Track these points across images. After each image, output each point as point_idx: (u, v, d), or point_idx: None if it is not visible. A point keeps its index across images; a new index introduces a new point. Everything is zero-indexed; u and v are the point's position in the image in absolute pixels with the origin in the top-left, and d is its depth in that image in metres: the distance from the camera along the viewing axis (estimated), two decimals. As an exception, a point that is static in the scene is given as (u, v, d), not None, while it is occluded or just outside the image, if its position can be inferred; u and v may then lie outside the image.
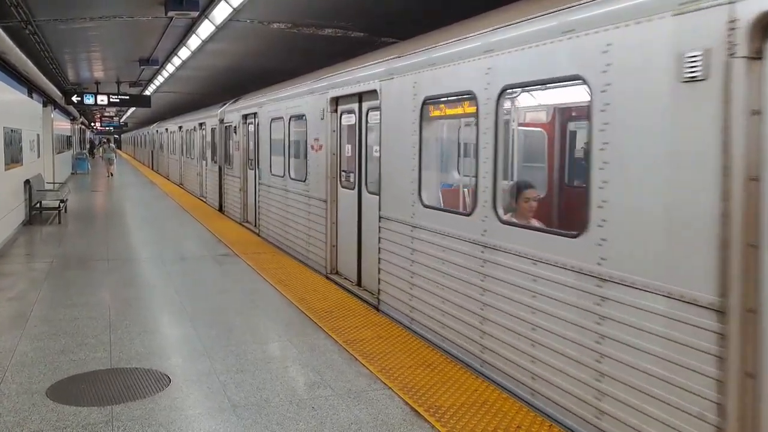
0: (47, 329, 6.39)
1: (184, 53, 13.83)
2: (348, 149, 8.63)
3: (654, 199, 3.52)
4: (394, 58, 6.84)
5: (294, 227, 10.37)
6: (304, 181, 9.76)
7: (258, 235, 12.62)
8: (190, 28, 11.40)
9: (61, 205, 14.90)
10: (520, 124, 6.59)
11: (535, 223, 5.31)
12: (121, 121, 50.31)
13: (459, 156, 7.23)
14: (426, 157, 6.22)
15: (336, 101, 8.66)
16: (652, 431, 3.54)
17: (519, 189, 5.50)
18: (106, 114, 44.10)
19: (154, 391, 4.85)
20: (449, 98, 5.99)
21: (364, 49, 9.02)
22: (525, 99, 6.00)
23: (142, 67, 16.21)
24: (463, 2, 6.59)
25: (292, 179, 10.49)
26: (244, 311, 7.21)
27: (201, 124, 19.98)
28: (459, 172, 7.44)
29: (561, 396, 4.28)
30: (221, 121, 16.58)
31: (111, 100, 20.15)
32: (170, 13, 9.53)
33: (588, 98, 4.02)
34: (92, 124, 53.98)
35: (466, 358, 5.42)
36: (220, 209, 16.88)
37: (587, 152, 4.03)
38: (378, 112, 7.17)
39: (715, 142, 3.16)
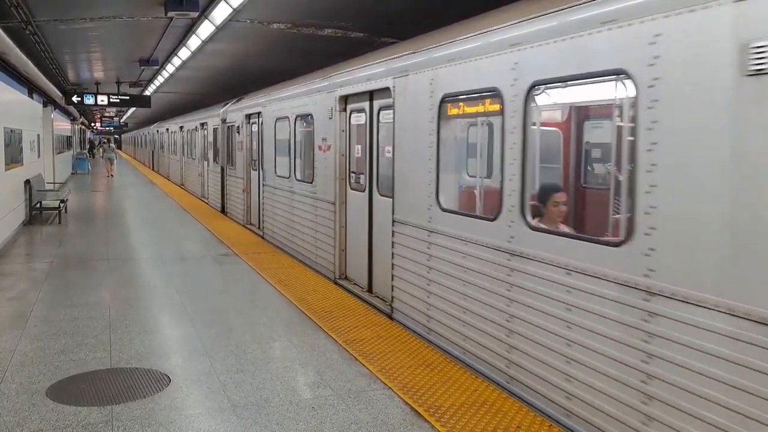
0: (47, 329, 6.30)
1: (184, 53, 13.67)
2: (358, 150, 8.16)
3: (713, 205, 3.13)
4: (408, 54, 6.42)
5: (300, 230, 9.90)
6: (311, 182, 9.29)
7: (262, 237, 12.15)
8: (190, 29, 11.29)
9: (61, 205, 14.66)
10: (551, 123, 6.16)
11: (564, 228, 4.89)
12: (122, 121, 50.19)
13: (478, 157, 6.94)
14: (444, 158, 5.81)
15: (345, 100, 8.23)
16: None
17: (547, 192, 5.07)
18: (106, 114, 43.97)
19: (154, 391, 4.79)
20: (470, 96, 5.53)
21: (364, 49, 8.90)
22: (557, 96, 5.63)
23: (142, 67, 16.03)
24: (463, 2, 6.58)
25: (298, 180, 10.03)
26: (244, 311, 7.08)
27: (203, 124, 19.39)
28: (480, 174, 7.07)
29: (601, 419, 3.89)
30: (223, 120, 16.06)
31: (111, 100, 19.90)
32: (170, 14, 9.42)
33: (632, 94, 3.63)
34: (92, 124, 53.87)
35: (490, 372, 5.02)
36: (223, 211, 16.35)
37: (631, 153, 3.63)
38: (390, 111, 6.78)
39: None
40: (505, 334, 4.81)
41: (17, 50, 11.49)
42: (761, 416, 2.93)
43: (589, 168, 6.27)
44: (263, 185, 12.19)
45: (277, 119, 11.13)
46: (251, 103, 13.46)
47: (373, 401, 4.65)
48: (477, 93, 5.36)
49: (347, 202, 8.33)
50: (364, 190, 7.85)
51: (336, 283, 8.37)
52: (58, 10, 10.07)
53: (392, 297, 6.72)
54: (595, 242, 4.04)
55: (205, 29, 10.90)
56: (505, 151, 4.76)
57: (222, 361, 5.45)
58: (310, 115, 9.30)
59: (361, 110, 7.89)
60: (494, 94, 4.98)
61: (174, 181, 26.94)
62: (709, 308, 3.16)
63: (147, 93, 22.35)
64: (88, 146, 50.79)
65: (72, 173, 31.64)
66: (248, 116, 13.65)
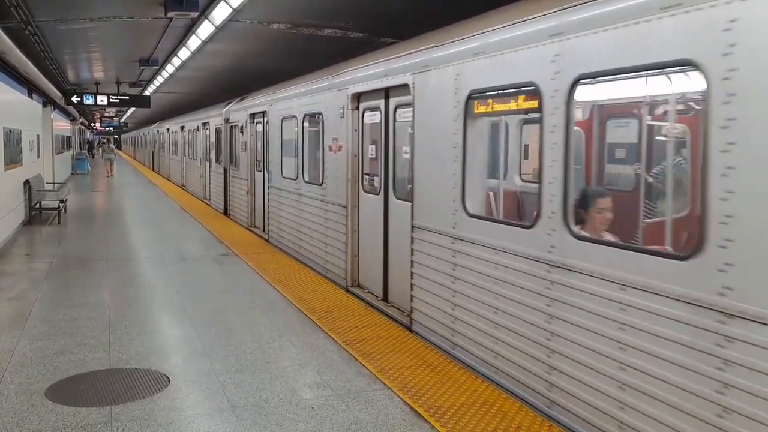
0: (46, 329, 6.21)
1: (183, 54, 13.47)
2: (371, 150, 7.64)
3: None
4: (430, 48, 5.90)
5: (309, 234, 9.31)
6: (321, 184, 8.74)
7: (267, 241, 11.58)
8: (190, 29, 11.23)
9: (61, 205, 14.42)
10: (593, 121, 5.63)
11: (608, 237, 4.40)
12: (121, 121, 50.03)
13: (510, 159, 6.31)
14: (471, 160, 5.28)
15: (358, 98, 7.70)
16: None
17: (591, 198, 4.58)
18: (105, 114, 43.77)
19: (154, 392, 4.72)
20: (501, 92, 5.01)
21: (364, 50, 8.81)
22: (605, 91, 5.05)
23: (141, 67, 15.77)
24: (463, 2, 6.57)
25: (307, 182, 9.44)
26: (244, 311, 6.94)
27: (204, 124, 18.77)
28: (513, 178, 6.49)
29: None
30: (226, 120, 15.45)
31: (111, 100, 19.59)
32: (170, 14, 9.28)
33: (702, 87, 3.16)
34: (92, 124, 53.78)
35: (528, 395, 4.50)
36: (225, 212, 15.76)
37: (703, 155, 3.14)
38: (408, 109, 6.30)
39: None
40: (545, 353, 4.30)
41: (17, 50, 11.37)
42: None
43: (642, 170, 5.64)
44: (269, 187, 11.62)
45: (284, 118, 10.58)
46: (256, 101, 12.88)
47: (373, 401, 4.57)
48: (510, 88, 4.85)
49: (360, 205, 7.81)
50: (378, 193, 7.33)
51: (348, 291, 7.83)
52: (57, 11, 9.98)
53: (411, 308, 6.20)
54: (656, 255, 3.53)
55: (205, 29, 10.78)
56: (544, 151, 4.27)
57: (222, 362, 5.35)
58: (320, 113, 8.78)
59: (375, 108, 7.38)
60: (531, 89, 4.48)
61: (175, 182, 26.40)
62: None
63: (147, 93, 22.27)
64: (87, 146, 50.82)
65: (71, 173, 31.42)
66: (252, 115, 13.11)
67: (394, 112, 6.93)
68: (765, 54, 2.84)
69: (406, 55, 6.43)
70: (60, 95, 19.60)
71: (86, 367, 5.27)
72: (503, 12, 5.03)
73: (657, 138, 5.28)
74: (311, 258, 9.27)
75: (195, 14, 9.38)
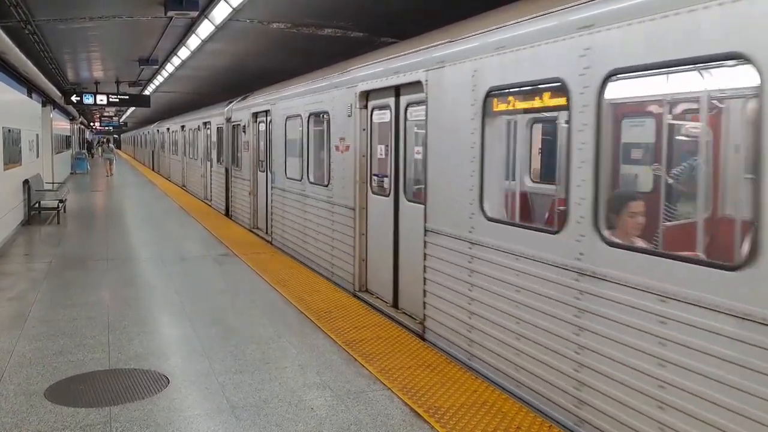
0: (46, 330, 6.15)
1: (183, 53, 13.46)
2: (380, 150, 7.31)
3: None
4: (445, 44, 5.61)
5: (314, 237, 8.98)
6: (327, 185, 8.43)
7: (271, 243, 11.23)
8: (190, 28, 11.20)
9: (60, 205, 14.32)
10: (627, 118, 5.33)
11: (641, 243, 4.11)
12: (121, 120, 49.98)
13: (533, 159, 6.04)
14: (489, 160, 5.00)
15: (366, 96, 7.39)
16: None
17: (622, 201, 4.27)
18: (105, 114, 43.75)
19: (153, 392, 4.68)
20: (523, 89, 4.72)
21: (363, 49, 8.83)
22: (640, 87, 4.72)
23: (141, 66, 15.65)
24: (463, 2, 6.56)
25: (312, 183, 9.12)
26: (244, 311, 6.89)
27: (206, 123, 18.37)
28: (536, 180, 6.18)
29: None
30: (228, 119, 15.11)
31: (110, 99, 19.44)
32: (170, 13, 9.24)
33: (754, 83, 2.89)
34: (91, 123, 53.83)
35: (554, 412, 4.21)
36: (227, 213, 15.39)
37: (756, 156, 2.86)
38: (420, 107, 6.06)
39: None
40: (573, 368, 4.00)
41: (16, 50, 11.34)
42: None
43: (678, 173, 5.28)
44: (272, 188, 11.25)
45: (288, 117, 10.26)
46: (259, 100, 12.53)
47: (373, 402, 4.53)
48: (533, 85, 4.55)
49: (368, 207, 7.49)
50: (388, 195, 7.01)
51: (356, 296, 7.52)
52: (57, 10, 9.95)
53: (424, 315, 5.89)
54: (702, 264, 3.27)
55: (205, 29, 10.76)
56: (572, 152, 3.98)
57: (221, 362, 5.31)
58: (326, 112, 8.49)
59: (385, 107, 7.07)
60: (557, 85, 4.18)
61: (175, 182, 26.12)
62: None
63: (146, 93, 22.28)
64: (85, 146, 50.82)
65: (71, 173, 31.37)
66: (255, 115, 12.78)
67: (405, 110, 6.64)
68: None
69: (419, 51, 6.14)
70: (59, 95, 19.55)
71: (85, 367, 5.23)
72: (525, 4, 4.76)
73: (688, 138, 5.02)
74: (317, 261, 8.94)
75: (195, 14, 9.37)
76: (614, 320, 3.68)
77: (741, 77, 3.21)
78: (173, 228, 13.63)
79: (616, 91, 3.96)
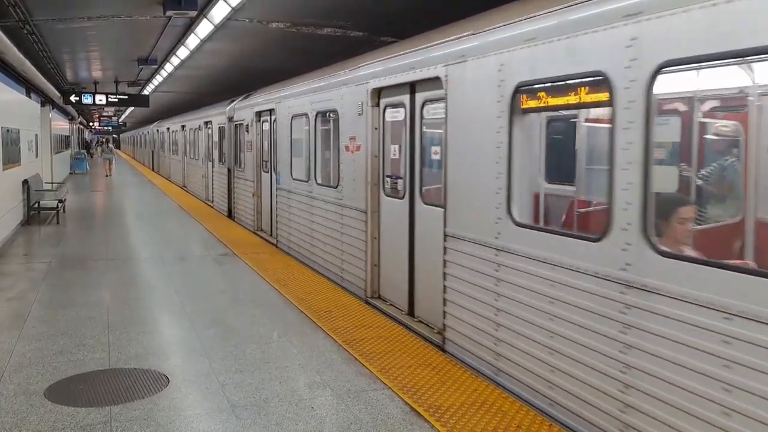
0: (45, 330, 6.20)
1: (182, 53, 13.55)
2: (394, 150, 7.01)
3: None
4: (467, 36, 5.32)
5: (322, 240, 8.69)
6: (336, 187, 8.14)
7: (276, 246, 11.04)
8: (189, 28, 11.28)
9: (60, 205, 14.35)
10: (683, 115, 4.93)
11: (691, 252, 3.81)
12: (120, 120, 49.99)
13: (568, 160, 5.67)
14: (518, 161, 4.71)
15: (378, 93, 7.12)
16: None
17: (671, 206, 3.97)
18: (104, 114, 43.78)
19: (153, 392, 4.72)
20: (558, 83, 4.34)
21: (363, 49, 8.87)
22: (699, 81, 4.34)
23: (140, 66, 15.66)
24: (463, 2, 6.55)
25: (319, 185, 8.86)
26: (244, 311, 6.95)
27: (207, 123, 18.20)
28: (570, 182, 5.88)
29: None
30: (230, 119, 14.89)
31: (109, 99, 19.45)
32: (169, 13, 9.25)
33: None
34: (91, 123, 53.88)
35: None
36: (230, 215, 15.17)
37: None
38: (438, 105, 5.85)
39: None
40: (619, 388, 3.68)
41: (15, 50, 11.36)
42: None
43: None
44: (277, 189, 11.04)
45: (294, 116, 10.02)
46: (263, 99, 12.27)
47: (373, 401, 4.57)
48: (569, 79, 4.21)
49: (381, 210, 7.23)
50: (402, 198, 6.73)
51: (368, 303, 7.26)
52: (56, 10, 9.95)
53: (444, 325, 5.63)
54: None
55: (204, 28, 10.81)
56: (616, 152, 3.69)
57: (221, 362, 5.35)
58: (335, 111, 8.21)
59: (398, 105, 6.80)
60: (597, 79, 3.88)
61: (175, 182, 25.98)
62: None
63: (145, 92, 22.31)
64: (84, 146, 50.80)
65: (70, 173, 31.40)
66: (259, 114, 12.52)
67: (422, 108, 6.37)
68: None
69: (437, 45, 5.84)
70: (58, 94, 19.58)
71: (85, 367, 5.26)
72: None
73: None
74: (325, 266, 8.67)
75: (194, 13, 9.37)
76: (668, 338, 3.37)
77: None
78: (173, 228, 13.69)
79: (669, 84, 3.66)
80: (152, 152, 37.73)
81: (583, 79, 4.07)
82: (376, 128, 7.20)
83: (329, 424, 4.23)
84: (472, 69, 5.17)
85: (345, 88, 7.88)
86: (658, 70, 3.40)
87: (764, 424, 2.88)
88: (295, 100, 10.01)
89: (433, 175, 6.30)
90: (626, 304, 3.64)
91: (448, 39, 5.65)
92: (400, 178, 6.83)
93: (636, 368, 3.57)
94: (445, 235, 5.57)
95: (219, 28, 10.38)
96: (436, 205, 5.95)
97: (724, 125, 5.20)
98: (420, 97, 6.36)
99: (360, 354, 5.54)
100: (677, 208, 3.97)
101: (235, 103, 15.02)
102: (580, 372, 4.00)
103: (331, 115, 8.47)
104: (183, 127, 23.83)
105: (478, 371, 5.09)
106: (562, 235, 4.35)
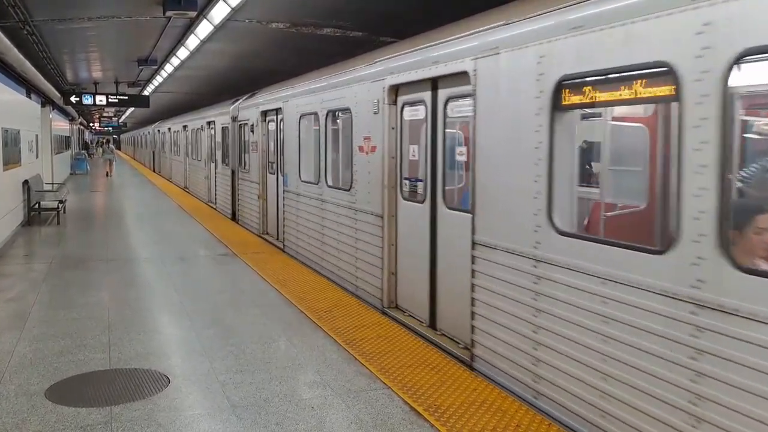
0: (46, 330, 6.22)
1: (182, 53, 13.57)
2: (413, 151, 6.58)
3: None
4: (499, 26, 4.90)
5: (335, 246, 8.27)
6: (349, 190, 7.74)
7: (283, 251, 10.64)
8: (189, 28, 11.32)
9: (60, 205, 14.45)
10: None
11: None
12: (120, 121, 50.11)
13: (621, 162, 5.25)
14: (560, 163, 4.28)
15: (396, 90, 6.72)
16: None
17: (748, 214, 3.55)
18: (104, 114, 43.88)
19: (154, 392, 4.74)
20: (611, 76, 3.85)
21: (363, 49, 8.91)
22: None
23: (140, 67, 15.71)
24: (463, 2, 6.54)
25: (330, 187, 8.45)
26: (244, 311, 6.96)
27: (209, 123, 17.89)
28: (623, 186, 5.41)
29: None
30: (234, 119, 14.53)
31: (109, 100, 19.54)
32: (168, 13, 9.29)
33: None
34: (91, 124, 53.97)
35: None
36: (233, 218, 14.82)
37: None
38: (463, 102, 5.50)
39: None
40: (691, 423, 3.27)
41: (15, 50, 11.38)
42: None
43: None
44: (284, 191, 10.61)
45: (302, 115, 9.62)
46: (269, 98, 11.83)
47: (373, 401, 4.59)
48: (625, 72, 3.75)
49: (398, 215, 6.82)
50: (422, 202, 6.32)
51: (384, 314, 6.86)
52: (56, 10, 9.99)
53: (472, 341, 5.21)
54: None
55: (204, 29, 10.85)
56: (684, 153, 3.29)
57: (221, 362, 5.38)
58: (347, 109, 7.81)
59: (418, 102, 6.38)
60: (661, 71, 3.44)
61: (177, 183, 25.84)
62: None
63: (146, 93, 22.33)
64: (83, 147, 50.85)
65: (70, 174, 31.44)
66: (264, 113, 12.14)
67: (445, 105, 5.95)
68: None
69: (465, 37, 5.41)
70: (59, 95, 19.62)
71: (86, 367, 5.29)
72: None
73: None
74: (338, 273, 8.25)
75: (193, 13, 9.40)
76: (753, 368, 2.98)
77: None
78: (174, 229, 13.66)
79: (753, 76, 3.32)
80: (153, 153, 37.62)
81: (642, 71, 3.63)
82: (393, 128, 6.81)
83: (329, 423, 4.24)
84: (507, 61, 4.75)
85: (359, 85, 7.50)
86: (737, 60, 3.04)
87: None
88: (303, 98, 9.62)
89: (459, 179, 6.02)
90: (698, 326, 3.24)
91: (477, 30, 5.23)
92: (420, 180, 6.46)
93: (709, 400, 3.18)
94: (474, 243, 5.16)
95: (219, 29, 10.41)
96: (462, 211, 5.60)
97: None
98: (443, 93, 5.97)
99: (360, 354, 5.58)
100: (755, 216, 3.54)
101: (239, 102, 14.74)
102: (639, 401, 3.60)
103: (344, 114, 8.14)
104: (185, 127, 23.67)
105: (515, 393, 4.70)
106: (616, 245, 3.81)
